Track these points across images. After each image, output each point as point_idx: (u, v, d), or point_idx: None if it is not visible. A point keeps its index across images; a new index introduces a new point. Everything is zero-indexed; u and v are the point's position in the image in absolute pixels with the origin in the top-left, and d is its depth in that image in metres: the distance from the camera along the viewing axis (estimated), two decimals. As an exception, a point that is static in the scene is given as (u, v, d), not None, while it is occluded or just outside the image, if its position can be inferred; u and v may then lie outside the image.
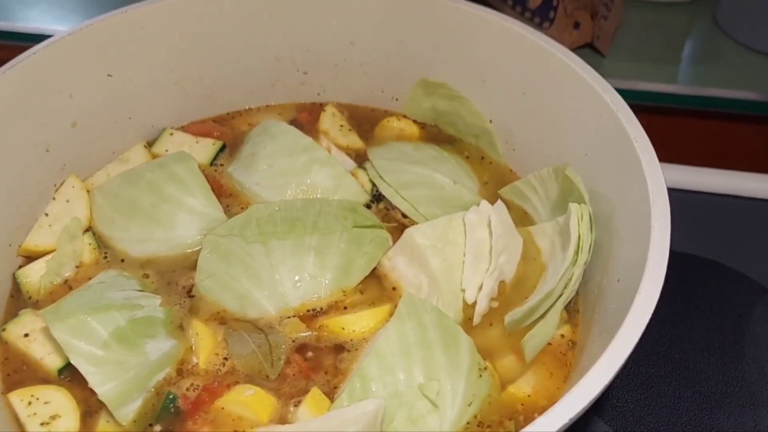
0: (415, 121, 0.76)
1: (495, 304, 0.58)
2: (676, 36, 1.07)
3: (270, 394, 0.52)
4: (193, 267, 0.59)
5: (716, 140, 1.03)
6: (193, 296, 0.58)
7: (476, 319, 0.56)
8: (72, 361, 0.50)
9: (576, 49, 0.90)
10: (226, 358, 0.54)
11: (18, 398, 0.51)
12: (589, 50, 1.00)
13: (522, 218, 0.65)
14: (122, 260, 0.61)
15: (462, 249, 0.57)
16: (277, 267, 0.57)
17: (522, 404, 0.52)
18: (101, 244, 0.63)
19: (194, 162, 0.65)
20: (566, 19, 0.96)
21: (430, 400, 0.48)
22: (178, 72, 0.72)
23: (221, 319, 0.57)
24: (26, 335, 0.55)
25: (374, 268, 0.60)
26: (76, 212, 0.64)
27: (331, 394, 0.52)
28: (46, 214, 0.63)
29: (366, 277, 0.59)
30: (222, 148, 0.72)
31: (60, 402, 0.51)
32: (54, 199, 0.64)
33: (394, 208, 0.66)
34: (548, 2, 0.96)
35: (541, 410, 0.50)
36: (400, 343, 0.50)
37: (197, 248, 0.60)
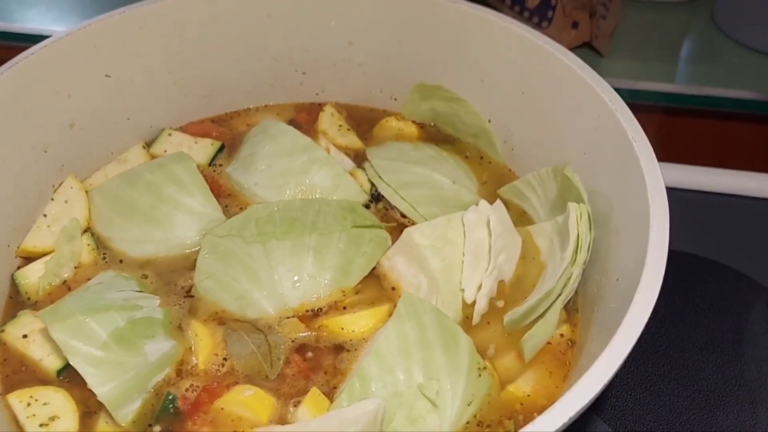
0: (413, 121, 0.76)
1: (500, 304, 0.57)
2: (675, 35, 1.07)
3: (269, 395, 0.52)
4: (192, 267, 0.59)
5: (714, 139, 1.03)
6: (192, 297, 0.58)
7: (475, 319, 0.56)
8: (71, 362, 0.50)
9: (574, 49, 0.90)
10: (225, 359, 0.54)
11: (17, 399, 0.51)
12: (587, 50, 1.00)
13: (521, 218, 0.65)
14: (121, 261, 0.61)
15: (461, 249, 0.57)
16: (276, 267, 0.57)
17: (521, 404, 0.52)
18: (100, 244, 0.63)
19: (193, 162, 0.65)
20: (565, 18, 0.96)
21: (429, 399, 0.48)
22: (176, 72, 0.72)
23: (220, 319, 0.57)
24: (25, 336, 0.55)
25: (373, 268, 0.60)
26: (75, 213, 0.64)
27: (330, 394, 0.52)
28: (45, 215, 0.63)
29: (365, 277, 0.59)
30: (221, 149, 0.71)
31: (59, 403, 0.51)
32: (52, 199, 0.64)
33: (393, 207, 0.66)
34: (547, 2, 0.96)
35: (541, 409, 0.50)
36: (400, 343, 0.50)
37: (196, 249, 0.60)
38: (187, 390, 0.52)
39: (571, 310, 0.58)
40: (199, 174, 0.65)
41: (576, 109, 0.61)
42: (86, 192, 0.65)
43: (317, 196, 0.64)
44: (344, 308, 0.57)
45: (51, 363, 0.53)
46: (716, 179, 0.81)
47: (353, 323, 0.56)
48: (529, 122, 0.67)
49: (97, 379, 0.49)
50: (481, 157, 0.72)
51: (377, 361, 0.49)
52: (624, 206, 0.54)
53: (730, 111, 0.98)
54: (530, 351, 0.54)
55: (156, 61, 0.70)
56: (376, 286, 0.59)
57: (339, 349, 0.55)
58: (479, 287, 0.56)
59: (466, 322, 0.56)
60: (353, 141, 0.74)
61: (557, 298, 0.54)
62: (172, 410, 0.51)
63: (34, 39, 0.64)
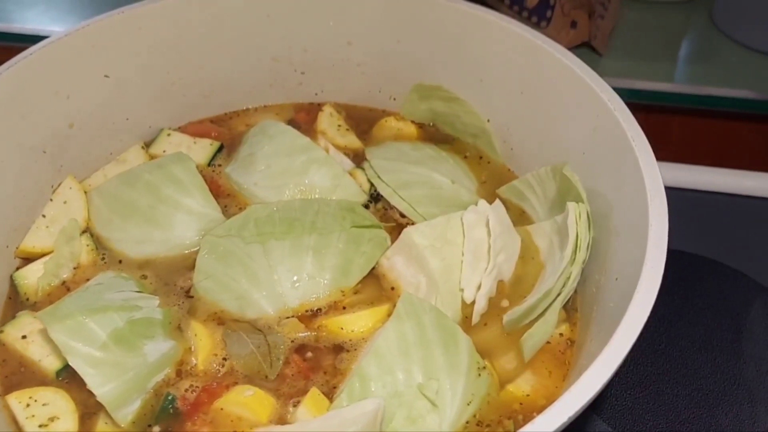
0: (412, 121, 0.76)
1: (506, 303, 0.57)
2: (673, 35, 1.08)
3: (269, 395, 0.52)
4: (192, 268, 0.59)
5: (713, 139, 1.03)
6: (192, 297, 0.58)
7: (475, 318, 0.56)
8: (70, 363, 0.50)
9: (573, 48, 0.90)
10: (224, 359, 0.54)
11: (16, 400, 0.51)
12: (586, 49, 1.00)
13: (520, 217, 0.65)
14: (120, 261, 0.61)
15: (460, 248, 0.57)
16: (275, 267, 0.57)
17: (521, 403, 0.52)
18: (99, 245, 0.62)
19: (192, 162, 0.65)
20: (563, 18, 0.97)
21: (429, 399, 0.48)
22: (175, 72, 0.72)
23: (220, 319, 0.57)
24: (24, 337, 0.55)
25: (373, 268, 0.60)
26: (74, 213, 0.63)
27: (330, 394, 0.52)
28: (44, 216, 0.63)
29: (364, 277, 0.59)
30: (220, 149, 0.71)
31: (58, 403, 0.51)
32: (51, 200, 0.64)
33: (393, 207, 0.66)
34: (545, 2, 0.96)
35: (540, 409, 0.50)
36: (399, 343, 0.50)
37: (195, 249, 0.60)
38: (186, 390, 0.52)
39: (570, 309, 0.58)
40: (198, 174, 0.65)
41: (575, 109, 0.61)
42: (85, 192, 0.65)
43: (316, 196, 0.64)
44: (344, 308, 0.57)
45: (50, 364, 0.53)
46: (715, 178, 0.81)
47: (353, 323, 0.56)
48: (528, 122, 0.67)
49: (97, 379, 0.49)
50: (480, 157, 0.72)
51: (377, 361, 0.49)
52: (623, 206, 0.54)
53: (728, 110, 0.98)
54: (530, 350, 0.54)
55: (155, 61, 0.70)
56: (375, 286, 0.59)
57: (338, 349, 0.55)
58: (478, 287, 0.56)
59: (466, 322, 0.56)
60: (352, 141, 0.74)
61: (556, 297, 0.54)
62: (171, 411, 0.51)
63: (33, 39, 0.64)
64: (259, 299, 0.57)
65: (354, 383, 0.49)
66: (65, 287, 0.59)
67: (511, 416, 0.51)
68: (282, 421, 0.51)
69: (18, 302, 0.59)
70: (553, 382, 0.53)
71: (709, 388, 0.62)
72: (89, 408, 0.51)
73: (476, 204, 0.60)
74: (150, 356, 0.52)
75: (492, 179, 0.70)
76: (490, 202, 0.60)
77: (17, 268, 0.61)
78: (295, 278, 0.57)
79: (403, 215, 0.65)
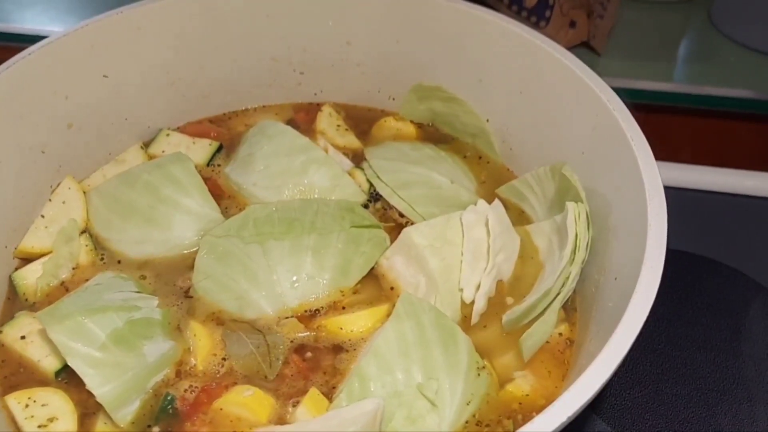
0: (412, 121, 0.76)
1: (510, 301, 0.57)
2: (672, 34, 1.08)
3: (268, 395, 0.52)
4: (191, 268, 0.59)
5: (712, 138, 1.03)
6: (191, 297, 0.58)
7: (474, 318, 0.56)
8: (69, 363, 0.50)
9: (572, 48, 0.90)
10: (224, 359, 0.54)
11: (15, 401, 0.51)
12: (585, 49, 1.00)
13: (519, 217, 0.65)
14: (119, 261, 0.61)
15: (460, 248, 0.57)
16: (274, 267, 0.57)
17: (520, 403, 0.52)
18: (98, 245, 0.62)
19: (191, 163, 0.65)
20: (562, 18, 0.97)
21: (428, 399, 0.48)
22: (174, 72, 0.72)
23: (219, 319, 0.56)
24: (23, 337, 0.55)
25: (372, 268, 0.60)
26: (73, 214, 0.63)
27: (329, 394, 0.52)
28: (43, 216, 0.63)
29: (364, 277, 0.59)
30: (219, 149, 0.71)
31: (57, 404, 0.51)
32: (50, 200, 0.64)
33: (392, 207, 0.66)
34: (544, 1, 0.96)
35: (540, 409, 0.50)
36: (399, 343, 0.50)
37: (194, 249, 0.60)
38: (185, 390, 0.52)
39: (569, 309, 0.58)
40: (197, 174, 0.65)
41: (574, 109, 0.61)
42: (84, 193, 0.65)
43: (316, 196, 0.64)
44: (343, 308, 0.57)
45: (49, 364, 0.53)
46: (714, 178, 0.81)
47: (352, 323, 0.56)
48: (528, 122, 0.67)
49: (96, 380, 0.49)
50: (480, 157, 0.72)
51: (376, 360, 0.49)
52: (622, 205, 0.54)
53: (727, 110, 0.98)
54: (529, 350, 0.54)
55: (154, 61, 0.70)
56: (374, 286, 0.59)
57: (338, 349, 0.55)
58: (478, 287, 0.56)
59: (465, 322, 0.56)
60: (351, 141, 0.74)
61: (556, 297, 0.54)
62: (170, 411, 0.51)
63: (32, 39, 0.64)
64: (259, 299, 0.57)
65: (353, 383, 0.49)
66: (64, 287, 0.59)
67: (510, 416, 0.51)
68: (281, 421, 0.51)
69: (17, 303, 0.59)
70: (552, 381, 0.53)
71: (709, 387, 0.62)
72: (88, 408, 0.51)
73: (475, 204, 0.60)
74: (149, 356, 0.52)
75: (491, 179, 0.70)
76: (490, 202, 0.60)
77: (16, 269, 0.60)
78: (294, 278, 0.57)
79: (402, 215, 0.65)
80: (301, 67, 0.76)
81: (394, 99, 0.77)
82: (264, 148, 0.66)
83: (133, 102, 0.70)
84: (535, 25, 0.97)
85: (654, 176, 0.51)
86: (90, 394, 0.49)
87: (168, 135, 0.72)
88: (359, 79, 0.77)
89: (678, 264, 0.71)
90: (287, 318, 0.56)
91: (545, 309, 0.54)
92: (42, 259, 0.60)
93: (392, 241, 0.60)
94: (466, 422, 0.50)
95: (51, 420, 0.50)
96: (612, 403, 0.61)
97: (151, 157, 0.70)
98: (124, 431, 0.50)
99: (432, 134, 0.75)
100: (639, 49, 1.03)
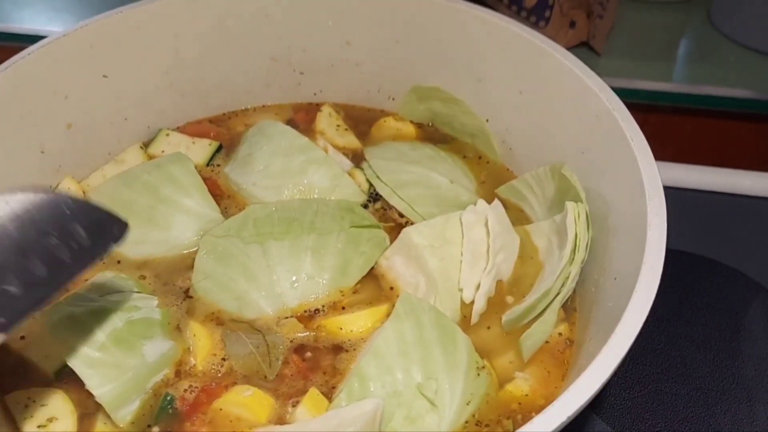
0: (411, 121, 0.76)
1: (510, 299, 0.57)
2: (671, 34, 1.08)
3: (268, 395, 0.52)
4: (191, 268, 0.59)
5: (711, 138, 1.03)
6: (191, 297, 0.58)
7: (474, 318, 0.56)
8: (69, 364, 0.50)
9: (572, 48, 0.90)
10: (223, 359, 0.54)
11: (15, 401, 0.51)
12: (584, 49, 1.00)
13: (519, 217, 0.65)
14: (119, 262, 0.61)
15: (459, 248, 0.57)
16: (274, 267, 0.57)
17: (520, 403, 0.52)
18: (98, 245, 0.62)
19: (190, 163, 0.65)
20: (562, 18, 0.97)
21: (428, 399, 0.48)
22: (173, 73, 0.72)
23: (218, 320, 0.56)
24: (22, 338, 0.55)
25: (372, 268, 0.60)
26: (72, 214, 0.63)
27: (329, 394, 0.52)
28: (42, 216, 0.63)
29: (363, 277, 0.59)
30: (218, 149, 0.71)
31: (57, 404, 0.51)
32: (50, 200, 0.64)
33: (391, 207, 0.66)
34: (544, 1, 0.96)
35: (539, 409, 0.50)
36: (398, 343, 0.50)
37: (194, 249, 0.60)
38: (185, 390, 0.52)
39: (569, 309, 0.58)
40: (196, 174, 0.65)
41: (574, 109, 0.61)
42: (84, 193, 0.65)
43: (315, 196, 0.64)
44: (343, 308, 0.57)
45: (49, 364, 0.53)
46: (713, 178, 0.81)
47: (352, 323, 0.56)
48: (527, 122, 0.67)
49: (96, 380, 0.49)
50: (480, 157, 0.72)
51: (376, 360, 0.49)
52: (622, 205, 0.54)
53: (727, 110, 0.98)
54: (528, 350, 0.54)
55: (153, 61, 0.70)
56: (374, 286, 0.59)
57: (338, 349, 0.55)
58: (477, 287, 0.56)
59: (465, 322, 0.56)
60: (351, 141, 0.74)
61: (555, 297, 0.54)
62: (170, 411, 0.51)
63: (31, 39, 0.64)
64: (258, 299, 0.57)
65: (353, 383, 0.49)
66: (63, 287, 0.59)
67: (510, 416, 0.51)
68: (281, 421, 0.51)
69: (16, 303, 0.59)
70: (552, 381, 0.53)
71: (708, 387, 0.62)
72: (88, 408, 0.51)
73: (475, 204, 0.60)
74: (149, 357, 0.52)
75: (491, 179, 0.70)
76: (489, 202, 0.60)
77: (15, 269, 0.60)
78: (293, 278, 0.57)
79: (401, 215, 0.65)
80: (301, 67, 0.76)
81: (393, 99, 0.77)
82: (263, 148, 0.66)
83: (132, 102, 0.70)
84: (535, 25, 0.97)
85: (653, 176, 0.51)
86: (89, 394, 0.49)
87: (167, 135, 0.72)
88: (359, 79, 0.77)
89: (678, 264, 0.71)
90: (287, 318, 0.56)
91: (545, 309, 0.54)
92: (41, 259, 0.60)
93: (392, 241, 0.60)
94: (466, 422, 0.50)
95: (50, 420, 0.50)
96: (612, 403, 0.61)
97: (150, 158, 0.70)
98: (123, 431, 0.50)
99: (432, 134, 0.75)
100: (638, 49, 1.03)
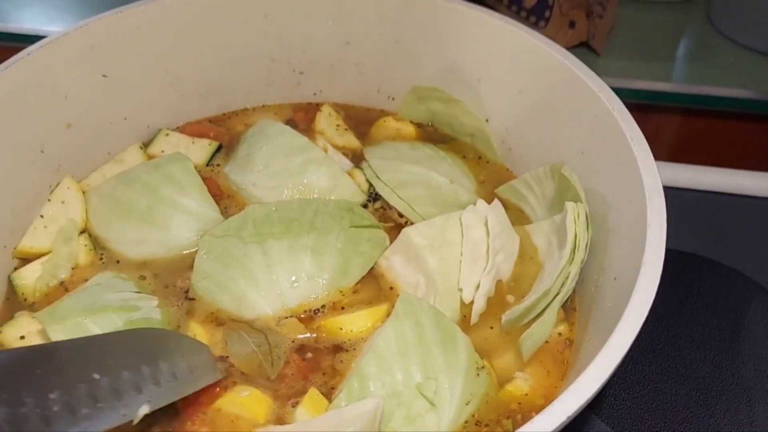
0: (411, 121, 0.76)
1: (511, 299, 0.57)
2: (671, 34, 1.08)
3: (266, 395, 0.52)
4: (190, 268, 0.58)
5: (711, 138, 1.03)
6: (191, 297, 0.58)
7: (474, 318, 0.56)
8: (69, 363, 0.50)
9: (571, 48, 0.90)
10: (223, 359, 0.54)
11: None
12: (584, 49, 1.00)
13: (519, 217, 0.65)
14: (118, 262, 0.61)
15: (459, 248, 0.57)
16: (274, 267, 0.57)
17: (519, 403, 0.52)
18: (97, 245, 0.62)
19: (190, 163, 0.65)
20: (562, 18, 0.97)
21: (428, 399, 0.48)
22: (173, 72, 0.72)
23: (218, 320, 0.56)
24: (22, 338, 0.55)
25: (371, 268, 0.60)
26: (72, 214, 0.63)
27: (329, 394, 0.52)
28: (42, 216, 0.63)
29: (363, 277, 0.59)
30: (218, 149, 0.71)
31: (57, 404, 0.51)
32: (49, 200, 0.64)
33: (391, 207, 0.66)
34: (544, 1, 0.96)
35: (539, 409, 0.50)
36: (398, 343, 0.50)
37: (194, 249, 0.60)
38: (185, 391, 0.52)
39: (568, 309, 0.58)
40: (196, 174, 0.64)
41: (573, 109, 0.61)
42: (83, 193, 0.65)
43: (315, 196, 0.64)
44: (342, 308, 0.57)
45: (49, 364, 0.53)
46: (713, 178, 0.81)
47: (351, 323, 0.56)
48: (527, 122, 0.67)
49: (95, 380, 0.49)
50: (479, 157, 0.72)
51: (376, 360, 0.49)
52: (621, 205, 0.54)
53: (726, 110, 0.98)
54: (528, 350, 0.54)
55: (153, 61, 0.70)
56: (374, 286, 0.59)
57: (337, 349, 0.55)
58: (477, 287, 0.56)
59: (464, 322, 0.56)
60: (351, 141, 0.74)
61: (555, 297, 0.54)
62: (170, 411, 0.51)
63: (30, 39, 0.64)
64: (258, 299, 0.57)
65: (353, 383, 0.49)
66: (63, 288, 0.59)
67: (509, 416, 0.51)
68: (281, 421, 0.51)
69: (16, 303, 0.59)
70: (551, 381, 0.53)
71: (708, 387, 0.63)
72: (88, 408, 0.51)
73: (475, 204, 0.60)
74: (148, 356, 0.52)
75: (490, 179, 0.70)
76: (489, 202, 0.60)
77: (15, 269, 0.60)
78: (293, 278, 0.57)
79: (401, 215, 0.65)
80: (301, 67, 0.76)
81: (393, 99, 0.77)
82: (263, 148, 0.66)
83: (132, 102, 0.70)
84: (535, 25, 0.98)
85: (653, 176, 0.51)
86: (89, 395, 0.49)
87: (167, 135, 0.72)
88: (358, 79, 0.77)
89: (677, 264, 0.71)
90: (287, 318, 0.56)
91: (544, 309, 0.54)
92: (41, 259, 0.60)
93: (391, 241, 0.60)
94: (465, 422, 0.50)
95: (50, 420, 0.50)
96: (611, 403, 0.61)
97: (150, 157, 0.70)
98: (123, 431, 0.50)
99: (431, 134, 0.75)
100: (638, 49, 1.03)
